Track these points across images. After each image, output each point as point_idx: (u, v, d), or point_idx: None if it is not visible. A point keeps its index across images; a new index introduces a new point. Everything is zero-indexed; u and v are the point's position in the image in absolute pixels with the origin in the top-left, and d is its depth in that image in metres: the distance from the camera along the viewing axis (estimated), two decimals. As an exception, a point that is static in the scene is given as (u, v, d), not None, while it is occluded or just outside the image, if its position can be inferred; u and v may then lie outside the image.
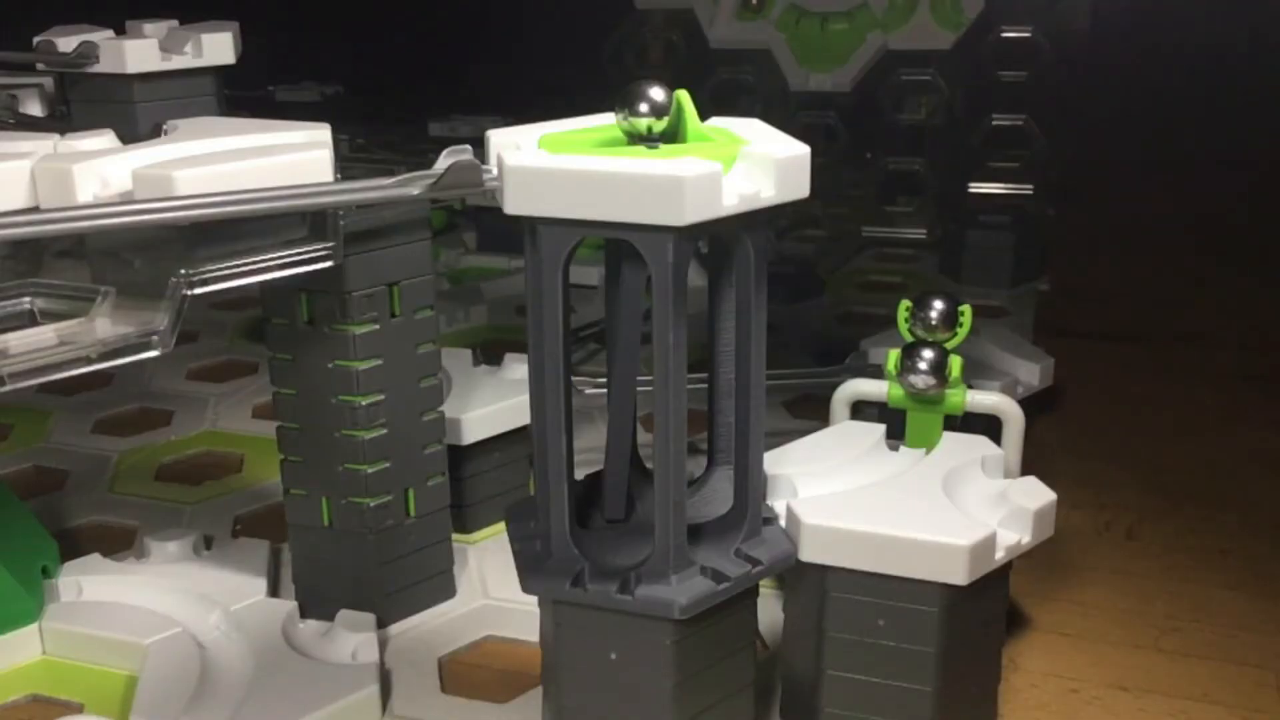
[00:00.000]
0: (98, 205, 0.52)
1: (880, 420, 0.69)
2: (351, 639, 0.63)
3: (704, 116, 0.51)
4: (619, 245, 0.50)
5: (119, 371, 0.97)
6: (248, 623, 0.65)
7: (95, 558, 0.71)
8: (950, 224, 1.32)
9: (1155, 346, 1.12)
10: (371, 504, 0.65)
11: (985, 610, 0.56)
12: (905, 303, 0.70)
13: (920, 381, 0.67)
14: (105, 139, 0.57)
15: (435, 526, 0.69)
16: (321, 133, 0.58)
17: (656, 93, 0.49)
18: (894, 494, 0.57)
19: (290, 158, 0.55)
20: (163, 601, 0.67)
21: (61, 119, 0.79)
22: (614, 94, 0.49)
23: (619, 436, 0.54)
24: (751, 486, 0.52)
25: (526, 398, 0.61)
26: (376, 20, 2.13)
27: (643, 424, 0.65)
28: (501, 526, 0.72)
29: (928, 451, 0.62)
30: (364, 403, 0.63)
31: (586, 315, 1.09)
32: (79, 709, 0.61)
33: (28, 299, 0.55)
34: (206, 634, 0.64)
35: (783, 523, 0.55)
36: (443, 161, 0.55)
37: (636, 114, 0.49)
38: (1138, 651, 0.66)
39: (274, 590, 0.70)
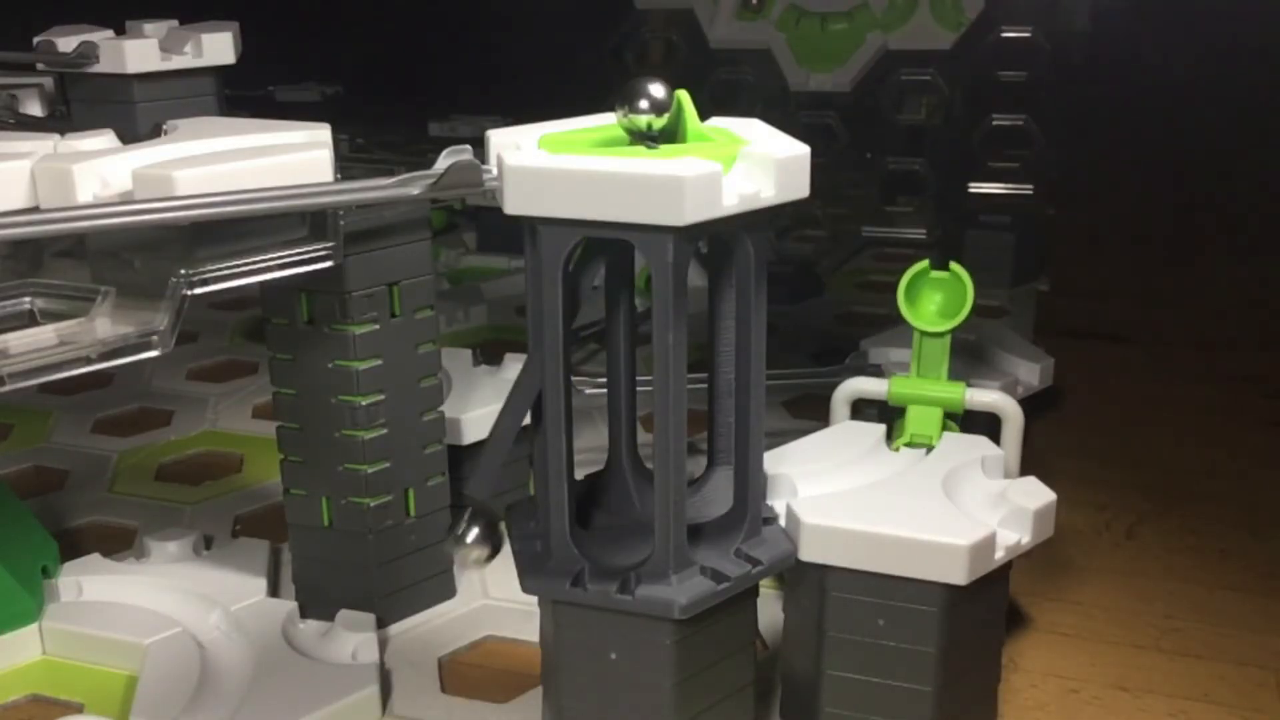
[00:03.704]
0: (98, 205, 0.52)
1: (880, 420, 0.69)
2: (351, 639, 0.63)
3: (704, 116, 0.51)
4: (603, 244, 0.50)
5: (119, 371, 0.96)
6: (248, 623, 0.65)
7: (95, 558, 0.71)
8: (950, 224, 1.32)
9: (1155, 346, 1.13)
10: (371, 504, 0.65)
11: (985, 610, 0.56)
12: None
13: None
14: (105, 139, 0.57)
15: (435, 526, 0.69)
16: (321, 133, 0.58)
17: (657, 89, 0.48)
18: (894, 494, 0.57)
19: (290, 158, 0.55)
20: (163, 601, 0.67)
21: (61, 119, 0.79)
22: (614, 94, 0.49)
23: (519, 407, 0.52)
24: (751, 486, 0.52)
25: (526, 398, 0.61)
26: (376, 20, 2.13)
27: (643, 424, 0.65)
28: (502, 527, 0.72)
29: (928, 450, 0.63)
30: (364, 403, 0.63)
31: (586, 315, 1.09)
32: (79, 709, 0.61)
33: (28, 299, 0.55)
34: (206, 634, 0.64)
35: (783, 523, 0.55)
36: (443, 161, 0.55)
37: (637, 110, 0.49)
38: (1138, 651, 0.66)
39: (274, 590, 0.70)
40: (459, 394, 0.77)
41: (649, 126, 0.49)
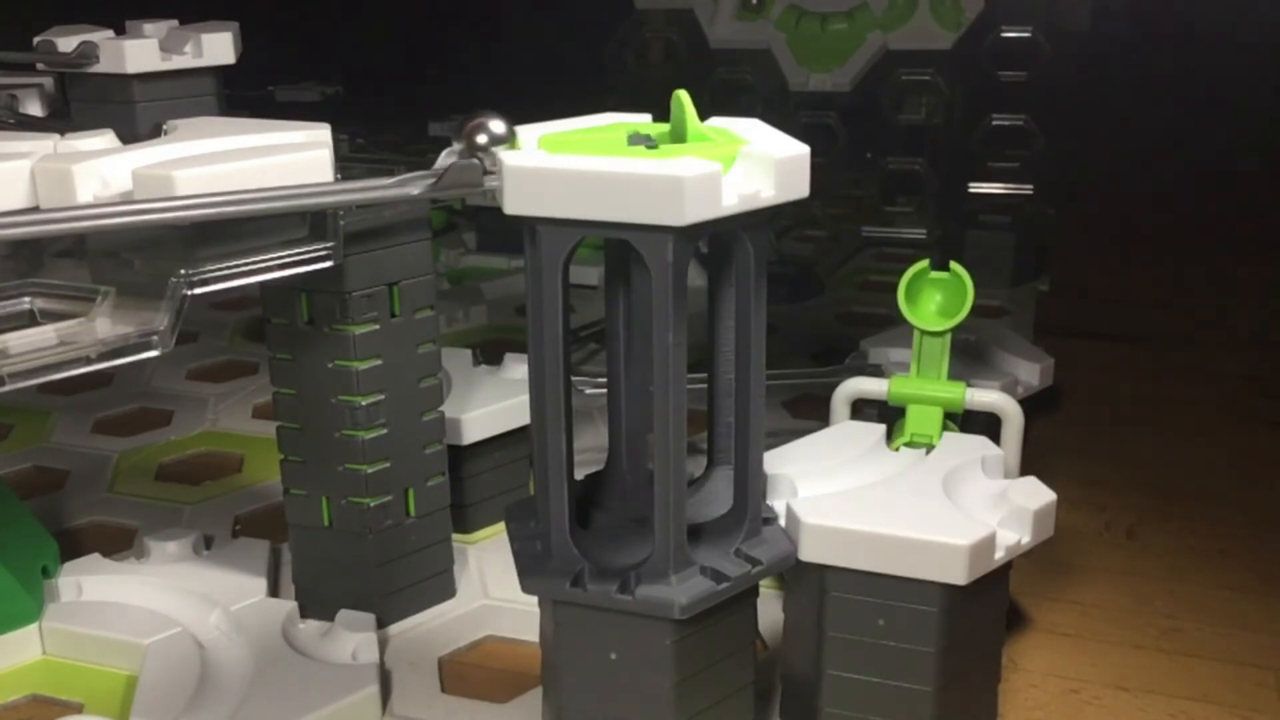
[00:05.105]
0: (98, 205, 0.52)
1: (880, 419, 0.69)
2: (351, 639, 0.63)
3: (704, 116, 0.51)
4: (619, 246, 0.50)
5: (119, 371, 0.97)
6: (248, 623, 0.65)
7: (95, 558, 0.71)
8: (950, 224, 1.32)
9: (1155, 346, 1.12)
10: (371, 504, 0.65)
11: (985, 610, 0.56)
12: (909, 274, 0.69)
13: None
14: (105, 139, 0.57)
15: (435, 526, 0.69)
16: (321, 133, 0.58)
17: (496, 125, 0.48)
18: (894, 494, 0.57)
19: (290, 158, 0.55)
20: (163, 601, 0.67)
21: (61, 119, 0.79)
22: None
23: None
24: (751, 486, 0.52)
25: (526, 398, 0.61)
26: (376, 20, 2.13)
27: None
28: (501, 526, 0.72)
29: (928, 450, 0.63)
30: (364, 403, 0.63)
31: (586, 315, 1.09)
32: (79, 709, 0.61)
33: (28, 299, 0.55)
34: (206, 634, 0.64)
35: (783, 523, 0.55)
36: (443, 161, 0.55)
37: (476, 147, 0.49)
38: (1138, 651, 0.66)
39: (274, 590, 0.70)
40: (459, 394, 0.77)
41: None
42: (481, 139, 0.48)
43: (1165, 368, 1.07)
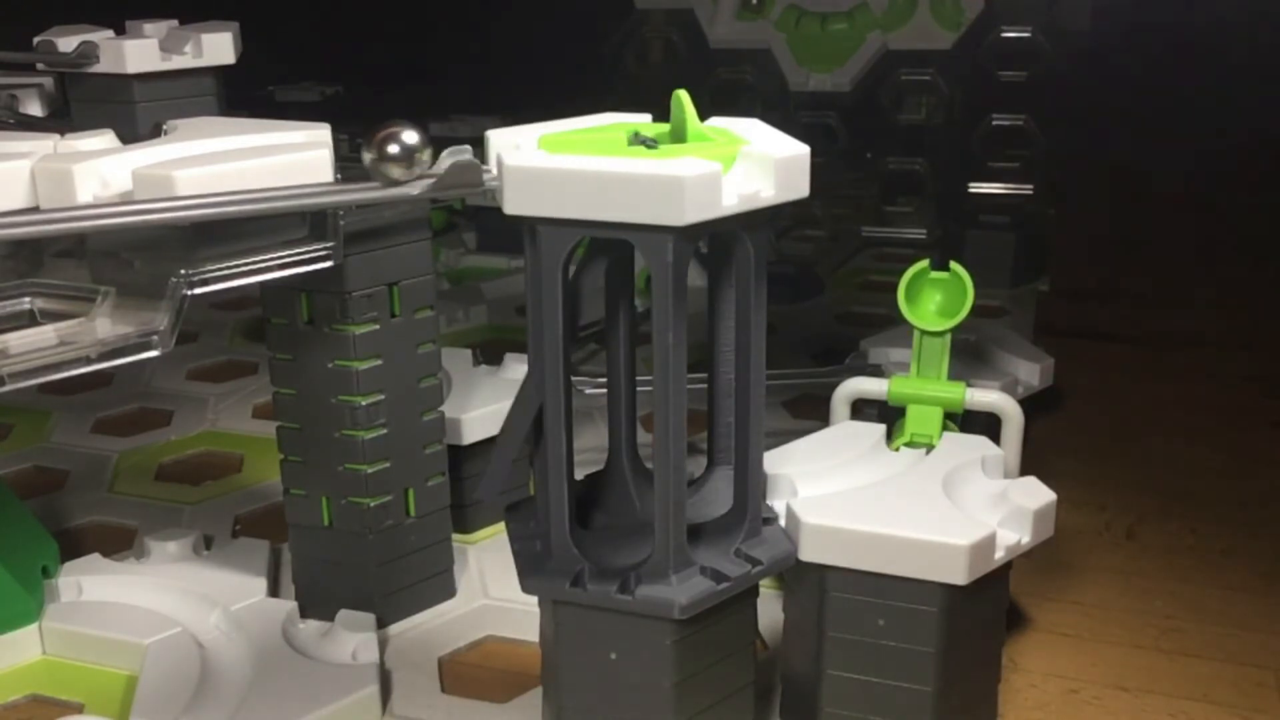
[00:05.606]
0: (98, 205, 0.52)
1: (880, 419, 0.69)
2: (351, 639, 0.63)
3: (704, 116, 0.51)
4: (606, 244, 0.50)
5: (119, 371, 0.97)
6: (248, 623, 0.65)
7: (95, 558, 0.71)
8: (950, 224, 1.32)
9: (1155, 346, 1.12)
10: (371, 504, 0.65)
11: (985, 610, 0.56)
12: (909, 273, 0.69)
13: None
14: (105, 139, 0.57)
15: (435, 526, 0.69)
16: (321, 133, 0.58)
17: (409, 135, 0.48)
18: (894, 494, 0.57)
19: (290, 158, 0.55)
20: (163, 601, 0.67)
21: (61, 119, 0.79)
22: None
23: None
24: (751, 486, 0.52)
25: (526, 398, 0.61)
26: (376, 20, 2.13)
27: (642, 424, 0.65)
28: (501, 526, 0.72)
29: (928, 450, 0.63)
30: (364, 403, 0.63)
31: (587, 315, 1.09)
32: (79, 709, 0.61)
33: (28, 299, 0.55)
34: (206, 634, 0.64)
35: (783, 523, 0.55)
36: (443, 161, 0.55)
37: (387, 158, 0.49)
38: (1138, 651, 0.66)
39: (274, 590, 0.70)
40: (459, 394, 0.77)
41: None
42: (393, 149, 0.49)
43: (1165, 368, 1.07)
